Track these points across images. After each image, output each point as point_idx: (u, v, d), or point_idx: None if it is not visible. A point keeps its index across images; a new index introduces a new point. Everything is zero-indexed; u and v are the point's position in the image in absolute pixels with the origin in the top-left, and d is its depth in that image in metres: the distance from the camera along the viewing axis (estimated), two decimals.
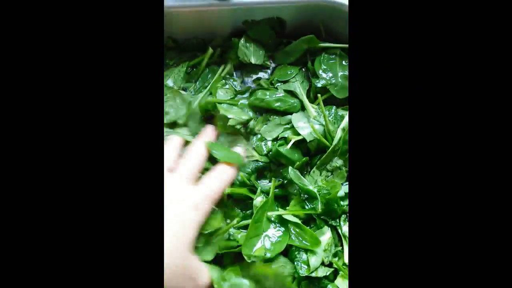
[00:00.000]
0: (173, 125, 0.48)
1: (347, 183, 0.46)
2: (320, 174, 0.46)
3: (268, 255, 0.40)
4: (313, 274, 0.41)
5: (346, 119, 0.47)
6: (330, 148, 0.45)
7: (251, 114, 0.49)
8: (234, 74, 0.53)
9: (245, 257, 0.40)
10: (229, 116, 0.47)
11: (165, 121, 0.47)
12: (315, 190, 0.44)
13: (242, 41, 0.51)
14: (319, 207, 0.43)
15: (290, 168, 0.45)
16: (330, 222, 0.44)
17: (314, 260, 0.41)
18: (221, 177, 0.42)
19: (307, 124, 0.46)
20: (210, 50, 0.51)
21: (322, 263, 0.41)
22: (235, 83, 0.51)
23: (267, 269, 0.41)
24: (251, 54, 0.51)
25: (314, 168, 0.46)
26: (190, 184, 0.40)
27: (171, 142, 0.45)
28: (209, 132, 0.47)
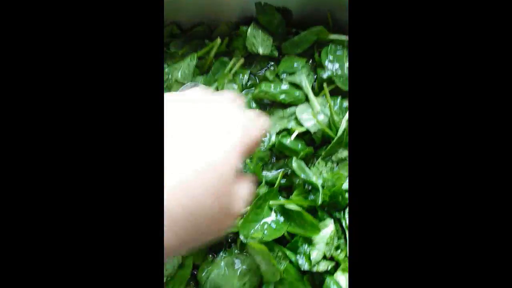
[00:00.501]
0: None
1: None
2: (326, 165, 0.48)
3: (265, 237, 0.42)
4: (315, 269, 0.43)
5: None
6: (335, 139, 0.46)
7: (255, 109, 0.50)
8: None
9: (242, 237, 0.42)
10: None
11: None
12: (319, 182, 0.46)
13: (250, 29, 0.51)
14: (320, 199, 0.45)
15: (294, 159, 0.46)
16: (334, 214, 0.46)
17: (315, 254, 0.43)
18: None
19: (311, 116, 0.47)
20: (219, 40, 0.51)
21: (324, 257, 0.43)
22: (242, 76, 0.52)
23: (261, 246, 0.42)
24: (259, 44, 0.51)
25: (319, 159, 0.47)
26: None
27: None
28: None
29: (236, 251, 0.45)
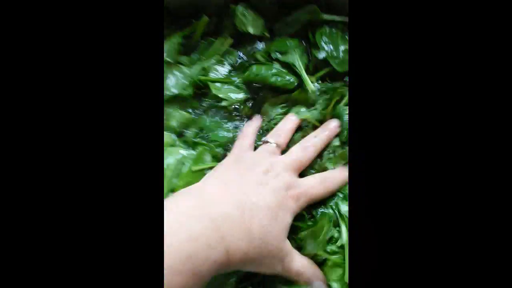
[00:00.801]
0: (174, 99, 0.47)
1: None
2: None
3: None
4: None
5: (346, 98, 0.45)
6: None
7: (244, 94, 0.48)
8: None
9: None
10: (221, 96, 0.46)
11: (167, 97, 0.46)
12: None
13: (240, 8, 0.48)
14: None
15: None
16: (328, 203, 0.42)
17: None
18: (329, 180, 0.41)
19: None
20: (205, 18, 0.49)
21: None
22: (230, 58, 0.49)
23: None
24: (249, 23, 0.49)
25: None
26: (294, 173, 0.40)
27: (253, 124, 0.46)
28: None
29: None
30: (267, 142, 0.42)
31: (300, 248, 0.39)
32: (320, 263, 0.40)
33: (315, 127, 0.45)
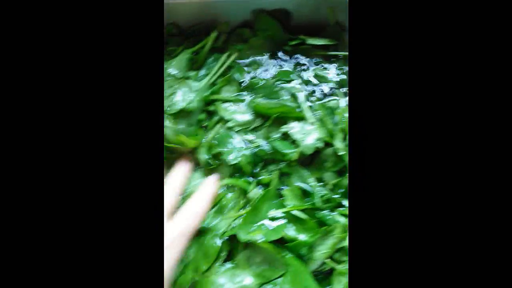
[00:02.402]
0: (179, 114, 0.48)
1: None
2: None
3: (262, 238, 0.42)
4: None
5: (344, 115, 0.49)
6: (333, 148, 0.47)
7: (250, 116, 0.50)
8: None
9: (241, 236, 0.42)
10: (226, 118, 0.49)
11: (172, 112, 0.47)
12: (309, 188, 0.47)
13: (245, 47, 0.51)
14: (318, 201, 0.46)
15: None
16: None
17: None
18: (196, 211, 0.43)
19: (305, 131, 0.48)
20: (214, 34, 0.51)
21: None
22: (239, 75, 0.51)
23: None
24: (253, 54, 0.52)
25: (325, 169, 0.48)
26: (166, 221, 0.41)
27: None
28: (183, 167, 0.47)
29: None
30: None
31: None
32: (327, 272, 0.44)
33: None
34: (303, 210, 0.45)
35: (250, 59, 0.52)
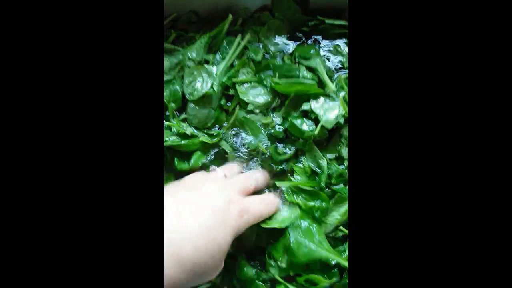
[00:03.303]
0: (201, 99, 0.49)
1: None
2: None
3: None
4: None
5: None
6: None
7: (269, 97, 0.50)
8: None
9: None
10: (246, 100, 0.49)
11: (194, 98, 0.49)
12: (323, 164, 0.46)
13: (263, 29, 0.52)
14: (323, 181, 0.46)
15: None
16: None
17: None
18: (267, 200, 0.45)
19: (327, 107, 0.47)
20: (230, 17, 0.51)
21: None
22: (253, 54, 0.51)
23: None
24: (271, 42, 0.52)
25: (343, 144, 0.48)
26: (238, 193, 0.42)
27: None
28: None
29: None
30: (215, 170, 0.46)
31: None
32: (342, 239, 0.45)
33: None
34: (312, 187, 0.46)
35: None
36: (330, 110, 0.47)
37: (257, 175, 0.46)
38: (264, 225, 0.43)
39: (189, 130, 0.48)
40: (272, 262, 0.44)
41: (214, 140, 0.48)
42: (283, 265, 0.43)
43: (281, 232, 0.44)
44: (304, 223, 0.44)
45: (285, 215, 0.45)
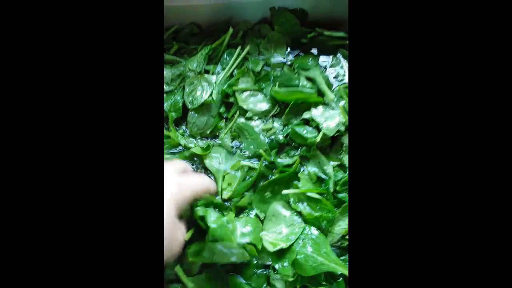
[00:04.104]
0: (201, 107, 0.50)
1: None
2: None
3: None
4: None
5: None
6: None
7: (269, 105, 0.50)
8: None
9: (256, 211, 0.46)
10: (245, 108, 0.49)
11: (194, 106, 0.50)
12: (329, 170, 0.46)
13: (263, 41, 0.53)
14: (331, 187, 0.45)
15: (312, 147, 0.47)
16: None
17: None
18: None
19: (327, 115, 0.48)
20: (231, 30, 0.53)
21: None
22: (253, 65, 0.52)
23: None
24: (271, 54, 0.53)
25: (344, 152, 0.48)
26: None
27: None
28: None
29: None
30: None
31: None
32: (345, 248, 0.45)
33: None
34: (319, 194, 0.45)
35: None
36: (331, 118, 0.47)
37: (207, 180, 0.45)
38: (271, 249, 0.42)
39: (182, 141, 0.49)
40: (278, 276, 0.43)
41: (206, 152, 0.48)
42: (290, 278, 0.42)
43: (287, 248, 0.43)
44: (310, 235, 0.43)
45: (287, 231, 0.44)
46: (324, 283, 0.43)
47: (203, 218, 0.41)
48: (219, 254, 0.41)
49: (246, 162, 0.47)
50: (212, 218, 0.41)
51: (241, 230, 0.43)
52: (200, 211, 0.41)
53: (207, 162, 0.48)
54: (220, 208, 0.45)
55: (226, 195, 0.47)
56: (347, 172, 0.47)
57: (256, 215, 0.46)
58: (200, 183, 0.43)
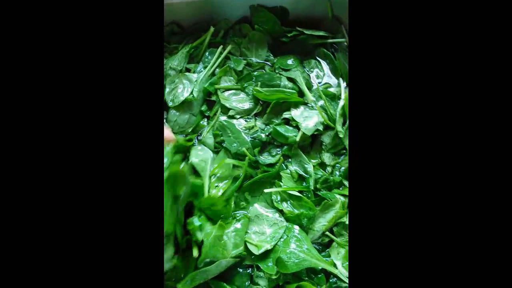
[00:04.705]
0: (182, 105, 0.50)
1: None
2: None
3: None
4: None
5: (341, 101, 0.50)
6: (335, 131, 0.48)
7: (251, 104, 0.50)
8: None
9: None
10: (227, 106, 0.50)
11: (175, 104, 0.49)
12: (310, 169, 0.47)
13: (244, 41, 0.53)
14: (311, 184, 0.46)
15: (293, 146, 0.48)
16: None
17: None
18: None
19: (307, 115, 0.49)
20: (212, 29, 0.53)
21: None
22: (235, 64, 0.52)
23: None
24: (253, 54, 0.54)
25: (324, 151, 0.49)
26: None
27: None
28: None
29: None
30: None
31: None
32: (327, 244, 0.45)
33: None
34: (301, 192, 0.46)
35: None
36: (309, 118, 0.48)
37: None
38: (257, 252, 0.42)
39: None
40: (261, 274, 0.44)
41: (189, 143, 0.48)
42: (273, 276, 0.43)
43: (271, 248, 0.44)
44: (293, 233, 0.44)
45: (270, 231, 0.45)
46: (306, 278, 0.43)
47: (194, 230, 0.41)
48: (212, 271, 0.41)
49: (230, 160, 0.47)
50: (207, 230, 0.42)
51: (233, 241, 0.43)
52: (195, 221, 0.42)
53: (193, 159, 0.47)
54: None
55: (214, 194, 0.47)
56: (328, 170, 0.48)
57: (245, 216, 0.46)
58: None
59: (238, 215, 0.45)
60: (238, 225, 0.44)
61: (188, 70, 0.52)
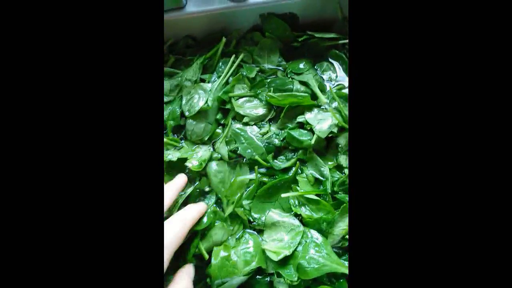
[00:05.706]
0: (198, 114, 0.51)
1: None
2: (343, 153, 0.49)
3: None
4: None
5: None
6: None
7: (265, 110, 0.51)
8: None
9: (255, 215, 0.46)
10: (241, 113, 0.50)
11: (191, 113, 0.51)
12: (326, 172, 0.47)
13: (256, 48, 0.54)
14: (329, 188, 0.46)
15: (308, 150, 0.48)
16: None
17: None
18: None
19: (320, 117, 0.49)
20: (224, 39, 0.54)
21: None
22: (247, 72, 0.53)
23: None
24: (265, 61, 0.55)
25: (340, 153, 0.49)
26: None
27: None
28: (180, 180, 0.48)
29: None
30: None
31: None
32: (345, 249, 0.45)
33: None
34: (318, 195, 0.46)
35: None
36: (323, 120, 0.48)
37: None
38: (275, 259, 0.43)
39: (175, 156, 0.50)
40: (282, 280, 0.43)
41: (200, 169, 0.49)
42: (295, 282, 0.42)
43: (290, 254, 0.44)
44: (312, 238, 0.43)
45: (288, 238, 0.45)
46: (328, 283, 0.43)
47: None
48: None
49: (245, 177, 0.48)
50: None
51: (243, 258, 0.44)
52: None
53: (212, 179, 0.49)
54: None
55: (228, 212, 0.48)
56: (344, 172, 0.47)
57: (253, 229, 0.47)
58: (189, 216, 0.43)
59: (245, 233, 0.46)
60: (249, 243, 0.45)
61: (202, 80, 0.53)
